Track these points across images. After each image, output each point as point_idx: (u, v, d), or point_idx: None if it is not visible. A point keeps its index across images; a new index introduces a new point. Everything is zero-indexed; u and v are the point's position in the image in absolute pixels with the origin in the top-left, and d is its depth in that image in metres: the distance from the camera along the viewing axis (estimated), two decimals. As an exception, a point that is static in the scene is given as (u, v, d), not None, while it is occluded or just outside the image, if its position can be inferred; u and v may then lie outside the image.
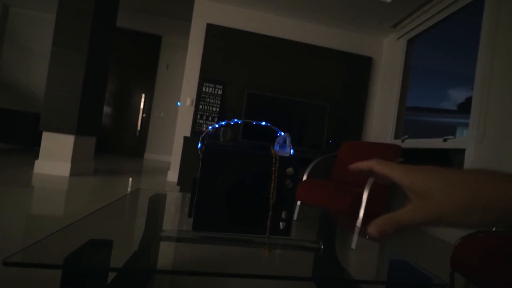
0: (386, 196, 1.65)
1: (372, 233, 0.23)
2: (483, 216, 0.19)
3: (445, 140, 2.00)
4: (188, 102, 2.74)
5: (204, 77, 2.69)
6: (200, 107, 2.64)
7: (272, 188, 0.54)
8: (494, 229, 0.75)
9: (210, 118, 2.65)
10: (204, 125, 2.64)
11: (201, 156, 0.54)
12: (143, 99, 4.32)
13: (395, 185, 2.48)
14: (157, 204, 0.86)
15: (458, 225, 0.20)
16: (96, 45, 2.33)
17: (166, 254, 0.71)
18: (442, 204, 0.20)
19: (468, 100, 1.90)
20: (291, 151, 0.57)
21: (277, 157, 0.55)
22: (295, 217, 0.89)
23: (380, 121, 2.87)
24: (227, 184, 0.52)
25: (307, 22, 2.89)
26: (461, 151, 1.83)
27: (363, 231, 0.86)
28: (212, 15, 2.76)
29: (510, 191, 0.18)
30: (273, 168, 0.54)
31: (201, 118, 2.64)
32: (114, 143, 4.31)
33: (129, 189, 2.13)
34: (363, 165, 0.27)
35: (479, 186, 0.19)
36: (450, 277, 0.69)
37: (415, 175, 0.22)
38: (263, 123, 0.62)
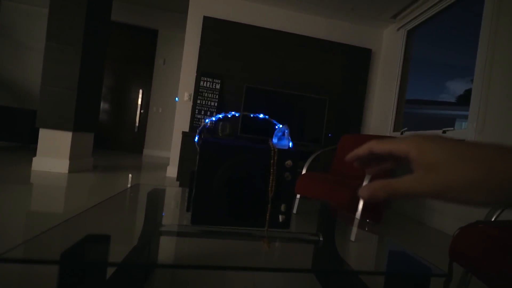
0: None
1: (363, 195, 0.22)
2: (491, 194, 0.18)
3: (444, 132, 1.99)
4: (186, 97, 2.71)
5: (202, 72, 2.66)
6: (198, 102, 2.62)
7: (270, 181, 0.53)
8: (493, 219, 0.76)
9: (208, 113, 2.63)
10: (202, 120, 2.62)
11: (198, 150, 0.53)
12: (140, 95, 4.28)
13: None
14: (156, 199, 0.86)
15: (461, 201, 0.19)
16: (91, 39, 2.29)
17: (166, 248, 0.71)
18: (448, 178, 0.19)
19: (467, 92, 1.89)
20: (290, 143, 0.57)
21: (275, 150, 0.54)
22: (294, 211, 0.89)
23: (380, 114, 2.86)
24: (226, 178, 0.52)
25: (305, 14, 2.85)
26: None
27: (362, 224, 0.86)
28: (208, 8, 2.70)
29: None
30: (272, 161, 0.54)
31: (199, 113, 2.62)
32: (112, 139, 4.29)
33: (128, 185, 2.13)
34: (361, 150, 0.25)
35: (492, 163, 0.18)
36: (449, 267, 0.69)
37: (424, 144, 0.20)
38: (261, 115, 0.61)
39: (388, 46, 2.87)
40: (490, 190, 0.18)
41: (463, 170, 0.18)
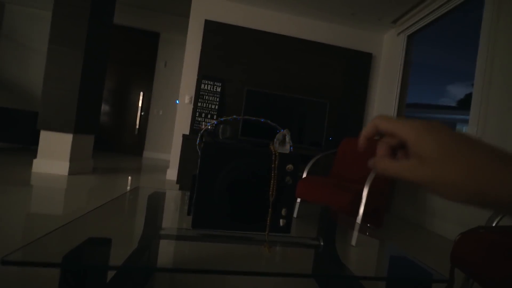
0: (387, 193, 1.65)
1: (369, 165, 0.25)
2: (470, 196, 0.19)
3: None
4: (186, 99, 2.72)
5: (203, 74, 2.67)
6: (199, 104, 2.63)
7: (271, 185, 0.53)
8: (494, 225, 0.75)
9: (209, 116, 2.64)
10: (203, 123, 2.62)
11: (199, 153, 0.53)
12: (141, 97, 4.30)
13: (395, 182, 2.45)
14: (156, 202, 0.86)
15: (442, 196, 0.20)
16: (93, 42, 2.31)
17: (166, 252, 0.70)
18: (436, 174, 0.20)
19: (468, 96, 1.89)
20: (291, 147, 0.57)
21: (277, 153, 0.54)
22: (295, 215, 0.89)
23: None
24: (227, 182, 0.52)
25: (306, 18, 2.87)
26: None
27: (363, 228, 0.85)
28: (210, 11, 2.73)
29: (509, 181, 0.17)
30: (273, 165, 0.54)
31: (200, 115, 2.63)
32: (112, 141, 4.29)
33: (128, 187, 2.12)
34: (368, 129, 0.25)
35: (479, 168, 0.18)
36: (450, 272, 0.69)
37: (424, 134, 0.21)
38: (262, 119, 0.61)
39: (388, 50, 2.89)
40: (469, 193, 0.19)
41: (451, 169, 0.19)
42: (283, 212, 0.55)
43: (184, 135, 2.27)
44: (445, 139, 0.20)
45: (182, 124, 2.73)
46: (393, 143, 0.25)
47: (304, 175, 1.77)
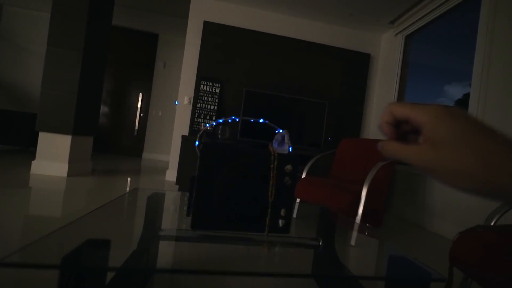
0: (386, 193, 1.65)
1: (379, 148, 0.25)
2: (480, 186, 0.18)
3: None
4: (185, 100, 2.73)
5: (202, 75, 2.67)
6: (198, 105, 2.63)
7: (270, 186, 0.53)
8: (492, 224, 0.76)
9: (208, 117, 2.64)
10: (202, 124, 2.63)
11: (198, 154, 0.53)
12: (140, 98, 4.29)
13: (394, 182, 2.45)
14: (155, 203, 0.86)
15: (448, 183, 0.20)
16: (92, 43, 2.31)
17: (165, 253, 0.70)
18: (446, 161, 0.19)
19: (465, 96, 1.91)
20: (290, 148, 0.57)
21: (275, 154, 0.55)
22: (294, 215, 0.89)
23: (379, 118, 2.87)
24: (226, 182, 0.52)
25: (305, 19, 2.88)
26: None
27: (362, 228, 0.86)
28: (209, 13, 2.73)
29: None
30: (272, 166, 0.54)
31: (199, 116, 2.63)
32: (111, 142, 4.29)
33: (127, 189, 2.12)
34: (385, 115, 0.24)
35: (495, 155, 0.18)
36: (449, 272, 0.69)
37: (441, 120, 0.20)
38: (261, 120, 0.62)
39: (386, 51, 2.90)
40: (477, 182, 0.18)
41: (462, 155, 0.19)
42: (282, 212, 0.55)
43: (183, 136, 2.27)
44: (461, 125, 0.19)
45: (181, 125, 2.72)
46: (406, 128, 0.24)
47: (303, 176, 1.77)
